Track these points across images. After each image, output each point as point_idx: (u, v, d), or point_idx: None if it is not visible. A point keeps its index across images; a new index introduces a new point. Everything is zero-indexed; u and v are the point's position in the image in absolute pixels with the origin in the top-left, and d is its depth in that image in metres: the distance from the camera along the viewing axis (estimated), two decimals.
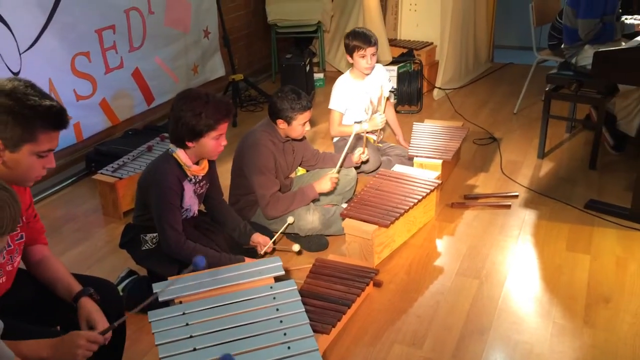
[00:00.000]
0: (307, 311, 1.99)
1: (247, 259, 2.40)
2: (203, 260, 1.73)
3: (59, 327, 1.84)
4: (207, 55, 4.91)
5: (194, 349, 1.78)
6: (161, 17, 4.29)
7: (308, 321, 1.94)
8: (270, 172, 2.85)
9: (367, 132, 3.54)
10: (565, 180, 3.47)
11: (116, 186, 3.13)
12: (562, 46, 3.99)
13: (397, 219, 2.70)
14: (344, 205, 3.01)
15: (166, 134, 3.60)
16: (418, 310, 2.41)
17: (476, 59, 5.56)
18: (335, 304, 2.28)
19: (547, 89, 3.69)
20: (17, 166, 1.54)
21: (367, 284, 2.45)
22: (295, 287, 2.08)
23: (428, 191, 2.91)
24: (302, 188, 2.96)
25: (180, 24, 4.52)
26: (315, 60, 5.68)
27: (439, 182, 3.03)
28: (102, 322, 1.68)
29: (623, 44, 3.62)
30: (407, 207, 2.78)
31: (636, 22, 3.89)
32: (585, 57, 3.66)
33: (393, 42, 5.12)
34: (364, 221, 2.68)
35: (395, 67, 4.65)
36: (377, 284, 2.56)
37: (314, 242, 2.86)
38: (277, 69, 5.59)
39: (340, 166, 3.08)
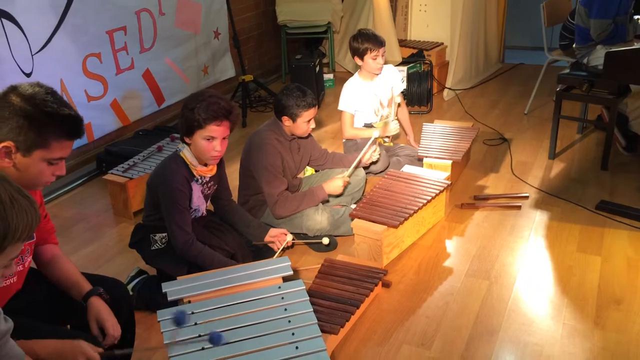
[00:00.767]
0: (315, 311, 1.99)
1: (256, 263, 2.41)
2: (221, 339, 1.72)
3: (68, 326, 1.86)
4: (217, 56, 4.93)
5: (202, 349, 1.78)
6: (172, 19, 4.31)
7: (316, 321, 1.94)
8: (277, 171, 2.85)
9: (385, 142, 3.55)
10: (576, 181, 3.44)
11: (126, 186, 3.15)
12: (574, 46, 3.97)
13: (406, 219, 2.70)
14: (353, 206, 3.01)
15: (176, 135, 3.62)
16: (427, 311, 2.40)
17: (487, 60, 5.54)
18: (343, 304, 2.28)
19: (558, 89, 3.67)
20: (27, 170, 1.55)
21: (376, 285, 2.45)
22: (304, 287, 2.08)
23: (437, 192, 2.90)
24: (311, 189, 2.96)
25: (191, 25, 4.54)
26: (325, 61, 5.69)
27: (449, 182, 3.02)
28: (111, 322, 1.69)
29: (635, 44, 3.59)
30: (417, 208, 2.77)
31: None
32: (597, 57, 3.64)
33: (403, 43, 5.12)
34: (373, 222, 2.67)
35: (405, 68, 4.65)
36: (386, 285, 2.55)
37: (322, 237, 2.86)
38: (287, 70, 5.60)
39: (355, 167, 3.08)
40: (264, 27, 5.61)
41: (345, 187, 2.99)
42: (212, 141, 2.31)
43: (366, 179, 3.28)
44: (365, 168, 3.28)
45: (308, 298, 2.03)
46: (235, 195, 2.88)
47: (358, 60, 3.44)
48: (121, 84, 3.93)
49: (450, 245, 2.88)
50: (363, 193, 3.22)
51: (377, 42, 3.36)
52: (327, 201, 3.06)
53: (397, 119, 3.67)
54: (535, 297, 2.46)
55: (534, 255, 2.75)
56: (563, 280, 2.56)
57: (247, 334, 1.85)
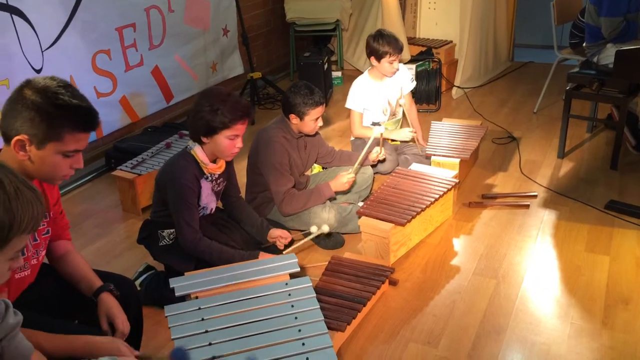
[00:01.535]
0: (322, 308, 2.00)
1: (264, 254, 2.41)
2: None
3: (77, 321, 1.87)
4: (226, 54, 4.94)
5: (210, 344, 1.79)
6: (181, 16, 4.33)
7: (323, 318, 1.95)
8: (284, 168, 2.86)
9: (393, 141, 3.55)
10: (585, 180, 3.42)
11: (135, 182, 3.17)
12: (584, 45, 3.94)
13: (413, 217, 2.69)
14: (361, 204, 3.01)
15: (184, 131, 3.63)
16: (434, 309, 2.40)
17: (496, 58, 5.51)
18: (350, 302, 2.28)
19: (567, 88, 3.65)
20: (42, 163, 1.55)
21: (383, 282, 2.45)
22: (311, 284, 2.09)
23: (445, 190, 2.90)
24: (318, 186, 2.96)
25: (200, 22, 4.55)
26: (333, 58, 5.68)
27: (457, 181, 3.01)
28: (121, 318, 1.70)
29: None
30: (424, 206, 2.76)
31: None
32: (607, 55, 3.62)
33: (412, 41, 5.10)
34: (381, 219, 2.67)
35: (413, 66, 4.63)
36: (393, 283, 2.55)
37: (330, 239, 2.87)
38: (295, 67, 5.60)
39: (361, 165, 3.08)
40: (273, 25, 5.62)
41: (352, 185, 2.99)
42: (234, 139, 2.36)
43: (374, 177, 3.27)
44: (373, 166, 3.28)
45: (315, 295, 2.04)
46: (243, 193, 2.88)
47: (374, 61, 3.42)
48: (130, 81, 3.95)
49: (458, 243, 2.88)
50: (371, 191, 3.22)
51: (398, 47, 3.37)
52: (334, 199, 3.06)
53: (405, 116, 3.67)
54: (543, 296, 2.45)
55: (542, 255, 2.74)
56: (571, 279, 2.55)
57: (254, 330, 1.86)
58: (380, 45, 3.35)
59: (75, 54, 3.52)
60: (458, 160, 3.22)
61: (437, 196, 2.84)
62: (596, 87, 3.50)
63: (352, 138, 3.64)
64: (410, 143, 3.70)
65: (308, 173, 3.22)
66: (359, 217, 2.74)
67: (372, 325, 2.31)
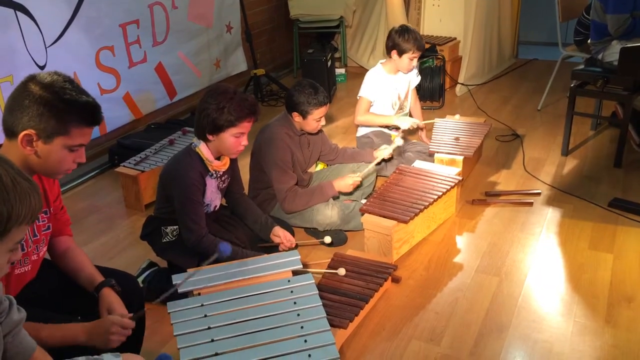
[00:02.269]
0: (324, 305, 2.00)
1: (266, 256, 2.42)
2: (228, 248, 1.76)
3: (79, 317, 1.88)
4: (229, 50, 4.94)
5: (212, 340, 1.80)
6: (184, 12, 4.32)
7: (325, 315, 1.95)
8: (287, 166, 2.85)
9: (390, 127, 3.55)
10: (589, 178, 3.41)
11: (138, 179, 3.17)
12: (589, 42, 3.92)
13: (416, 215, 2.69)
14: (364, 201, 3.01)
15: (188, 128, 3.64)
16: (436, 306, 2.40)
17: (500, 55, 5.50)
18: (353, 299, 2.28)
19: (572, 85, 3.63)
20: (48, 157, 1.57)
21: (386, 280, 2.45)
22: (313, 281, 2.09)
23: (448, 187, 2.89)
24: (321, 185, 2.96)
25: (203, 19, 4.55)
26: (337, 55, 5.67)
27: (460, 178, 3.01)
28: (121, 312, 1.70)
29: None
30: (427, 204, 2.76)
31: None
32: (612, 52, 3.60)
33: None
34: (383, 217, 2.67)
35: (417, 63, 4.62)
36: (396, 280, 2.55)
37: (333, 237, 2.86)
38: (298, 64, 5.59)
39: (370, 172, 3.06)
40: (276, 21, 5.61)
41: (355, 188, 2.97)
42: (240, 137, 2.37)
43: (377, 175, 3.27)
44: (377, 164, 3.28)
45: (317, 292, 2.04)
46: (246, 189, 2.88)
47: (394, 55, 3.41)
48: (134, 77, 3.95)
49: (461, 241, 2.87)
50: (374, 188, 3.22)
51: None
52: (337, 197, 3.05)
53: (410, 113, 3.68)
54: (546, 294, 2.45)
55: (545, 252, 2.73)
56: (574, 277, 2.54)
57: (257, 327, 1.86)
58: (405, 41, 3.34)
59: (78, 51, 3.53)
60: (462, 157, 3.22)
61: (440, 193, 2.84)
62: (601, 84, 3.48)
63: (358, 135, 3.64)
64: (414, 140, 3.70)
65: (311, 170, 3.22)
66: (362, 215, 2.74)
67: (374, 323, 2.31)
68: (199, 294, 2.04)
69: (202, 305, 1.94)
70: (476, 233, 2.92)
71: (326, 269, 2.49)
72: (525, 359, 2.11)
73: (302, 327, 1.88)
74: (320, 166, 3.33)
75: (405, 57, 3.38)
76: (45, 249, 1.77)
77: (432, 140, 3.43)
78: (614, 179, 3.38)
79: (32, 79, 1.56)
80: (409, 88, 3.60)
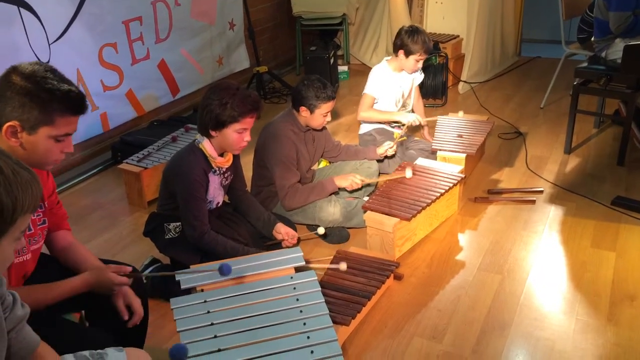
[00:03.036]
0: (327, 302, 2.00)
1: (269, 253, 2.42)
2: (229, 269, 1.81)
3: (83, 312, 1.88)
4: (232, 47, 4.94)
5: (215, 336, 1.80)
6: (187, 9, 4.32)
7: (328, 312, 1.95)
8: (291, 162, 2.86)
9: (393, 123, 3.55)
10: (592, 176, 3.41)
11: (141, 175, 3.18)
12: (592, 39, 3.92)
13: (419, 212, 2.69)
14: (366, 198, 3.01)
15: (190, 125, 3.64)
16: (438, 304, 2.40)
17: (503, 53, 5.49)
18: (355, 296, 2.29)
19: (575, 83, 3.63)
20: (35, 148, 1.56)
21: (388, 277, 2.45)
22: (316, 277, 2.09)
23: (451, 185, 2.89)
24: (321, 181, 2.96)
25: (206, 16, 4.55)
26: (339, 52, 5.67)
27: (463, 176, 3.01)
28: (138, 301, 1.74)
29: None
30: (430, 201, 2.76)
31: None
32: (616, 50, 3.59)
33: None
34: (386, 214, 2.67)
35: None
36: (398, 277, 2.55)
37: (335, 234, 2.87)
38: (301, 62, 5.59)
39: (373, 182, 3.07)
40: (279, 19, 5.61)
41: (354, 189, 2.96)
42: (243, 133, 2.37)
43: (379, 172, 3.27)
44: (379, 161, 3.28)
45: (320, 289, 2.04)
46: (248, 186, 2.89)
47: (401, 54, 3.41)
48: (136, 74, 3.96)
49: (463, 239, 2.87)
50: (376, 186, 3.22)
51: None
52: (338, 193, 3.05)
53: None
54: (548, 292, 2.45)
55: (548, 250, 2.73)
56: (576, 275, 2.54)
57: (259, 323, 1.86)
58: (414, 42, 3.35)
59: (82, 47, 3.53)
60: (464, 155, 3.21)
61: (443, 191, 2.84)
62: (604, 82, 3.48)
63: (361, 132, 3.64)
64: (416, 138, 3.70)
65: (314, 168, 3.22)
66: (365, 212, 2.74)
67: (376, 320, 2.32)
68: (202, 290, 2.04)
69: (205, 301, 1.94)
70: (478, 231, 2.92)
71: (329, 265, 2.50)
72: (527, 357, 2.11)
73: (304, 324, 1.88)
74: (322, 164, 3.33)
75: (412, 58, 3.39)
76: (42, 242, 1.76)
77: (434, 138, 3.43)
78: (617, 177, 3.37)
79: (13, 70, 1.55)
80: (412, 86, 3.60)
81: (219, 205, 2.60)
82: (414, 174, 2.98)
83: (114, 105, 3.81)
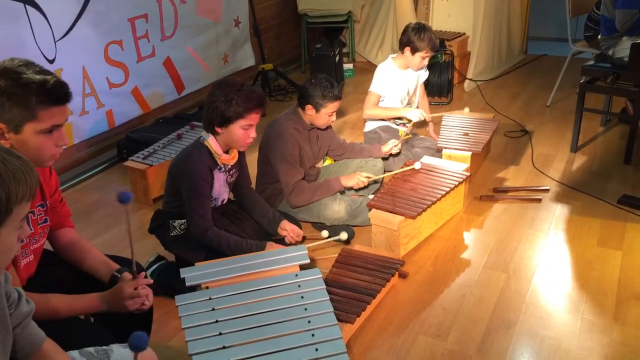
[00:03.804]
0: (332, 300, 2.00)
1: (272, 244, 2.42)
2: (129, 196, 1.57)
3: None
4: (237, 45, 4.94)
5: (220, 334, 1.80)
6: (193, 7, 4.33)
7: (332, 310, 1.95)
8: (295, 160, 2.86)
9: (398, 120, 3.54)
10: (598, 174, 3.39)
11: (147, 173, 3.18)
12: (599, 37, 3.90)
13: (424, 210, 2.68)
14: (371, 196, 3.00)
15: (196, 123, 3.64)
16: (444, 302, 2.40)
17: (509, 50, 5.47)
18: (360, 294, 2.28)
19: (582, 81, 3.61)
20: (26, 147, 1.51)
21: (393, 275, 2.45)
22: (320, 275, 2.09)
23: (456, 183, 2.88)
24: (327, 179, 2.96)
25: (212, 14, 4.55)
26: (345, 50, 5.66)
27: (468, 174, 3.00)
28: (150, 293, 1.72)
29: None
30: (435, 199, 2.75)
31: None
32: (623, 48, 3.57)
33: None
34: (391, 212, 2.66)
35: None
36: (403, 275, 2.55)
37: (339, 232, 2.86)
38: (306, 59, 5.59)
39: (380, 179, 3.06)
40: (285, 16, 5.60)
41: (359, 187, 2.96)
42: (249, 129, 2.37)
43: (384, 170, 3.27)
44: (384, 159, 3.27)
45: (324, 287, 2.04)
46: (253, 184, 2.89)
47: (407, 52, 3.41)
48: (142, 72, 3.96)
49: (469, 237, 2.87)
50: (381, 184, 3.22)
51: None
52: (343, 192, 3.05)
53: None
54: (554, 291, 2.44)
55: (554, 249, 2.72)
56: (582, 274, 2.53)
57: (264, 321, 1.87)
58: (421, 39, 3.34)
59: (87, 45, 3.54)
60: (470, 153, 3.20)
61: (448, 189, 2.83)
62: (611, 80, 3.46)
63: (366, 130, 3.63)
64: (422, 136, 3.69)
65: (319, 165, 3.22)
66: (369, 210, 2.74)
67: (381, 318, 2.31)
68: (207, 287, 2.05)
69: (210, 298, 1.95)
70: (484, 229, 2.91)
71: (334, 264, 2.50)
72: (532, 356, 2.11)
73: (309, 322, 1.88)
74: (327, 161, 3.33)
75: (418, 55, 3.38)
76: (43, 241, 1.75)
77: (440, 136, 3.43)
78: (624, 175, 3.36)
79: None
80: (417, 83, 3.60)
81: (224, 202, 2.60)
82: (419, 171, 2.97)
83: (119, 103, 3.82)
